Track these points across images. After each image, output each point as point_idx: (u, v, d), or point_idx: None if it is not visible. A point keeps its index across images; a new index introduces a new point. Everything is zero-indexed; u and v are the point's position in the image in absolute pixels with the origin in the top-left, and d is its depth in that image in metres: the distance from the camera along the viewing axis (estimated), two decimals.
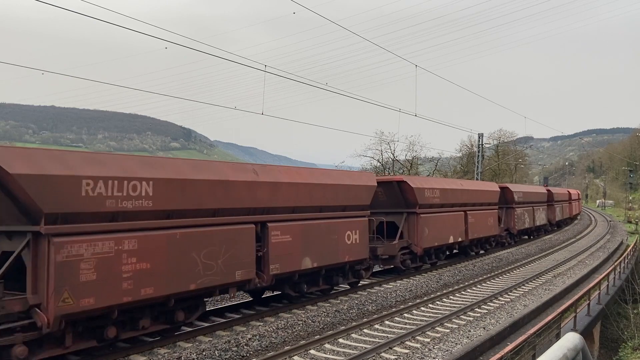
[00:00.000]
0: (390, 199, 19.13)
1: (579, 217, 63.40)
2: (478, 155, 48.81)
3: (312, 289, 14.20)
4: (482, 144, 48.98)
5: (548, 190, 41.31)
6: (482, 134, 48.25)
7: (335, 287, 15.56)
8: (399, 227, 19.04)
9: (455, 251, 24.80)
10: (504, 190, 30.03)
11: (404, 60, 26.51)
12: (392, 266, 19.46)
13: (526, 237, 35.79)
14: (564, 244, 34.75)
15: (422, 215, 19.25)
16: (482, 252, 26.46)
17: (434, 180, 22.43)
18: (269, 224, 12.11)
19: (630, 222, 68.51)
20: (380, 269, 20.39)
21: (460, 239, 22.36)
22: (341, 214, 14.67)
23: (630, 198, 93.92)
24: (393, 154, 57.00)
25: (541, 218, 37.01)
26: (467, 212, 23.10)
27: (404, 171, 56.50)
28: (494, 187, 27.74)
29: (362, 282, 17.01)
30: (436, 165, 62.69)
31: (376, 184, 16.31)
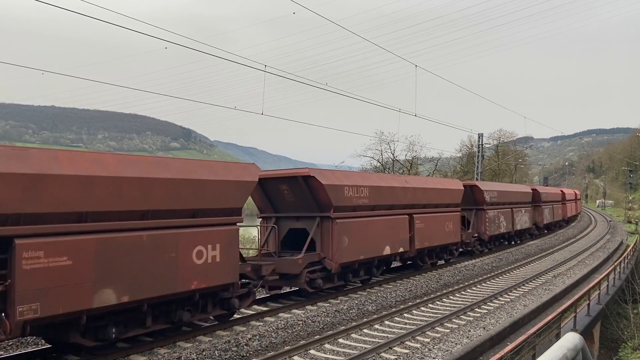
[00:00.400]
0: (299, 200, 15.01)
1: (578, 218, 63.19)
2: (478, 156, 48.85)
3: (135, 332, 9.93)
4: (482, 144, 49.05)
5: (534, 190, 36.79)
6: (482, 134, 48.39)
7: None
8: (311, 236, 14.92)
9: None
10: (472, 188, 25.96)
11: (404, 60, 26.53)
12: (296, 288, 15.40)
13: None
14: (563, 244, 34.76)
15: (339, 220, 14.82)
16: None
17: (360, 175, 17.65)
18: (17, 241, 7.75)
19: (630, 222, 68.55)
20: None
21: (401, 250, 17.75)
22: (186, 222, 10.28)
23: (630, 198, 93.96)
24: (393, 154, 57.04)
25: (524, 221, 32.70)
26: (414, 215, 18.68)
27: (403, 171, 56.53)
28: (455, 184, 23.36)
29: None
30: (436, 166, 62.72)
31: (256, 180, 12.00)
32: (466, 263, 23.22)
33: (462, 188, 23.25)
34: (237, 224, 11.54)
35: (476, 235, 25.94)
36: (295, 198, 15.04)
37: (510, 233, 30.49)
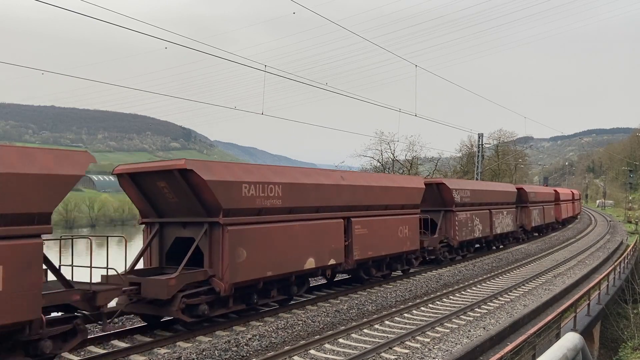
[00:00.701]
0: (183, 201, 11.75)
1: (578, 219, 63.08)
2: (478, 155, 48.85)
3: None
4: (482, 144, 49.05)
5: (520, 189, 33.38)
6: (482, 134, 48.40)
7: None
8: (200, 247, 11.74)
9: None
10: (439, 187, 22.76)
11: (404, 60, 26.56)
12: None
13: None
14: (564, 244, 34.77)
15: (232, 227, 11.54)
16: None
17: (271, 169, 13.45)
18: None
19: (630, 222, 68.59)
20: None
21: (333, 262, 14.57)
22: None
23: (630, 198, 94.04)
24: (393, 154, 57.10)
25: (506, 224, 29.15)
26: (352, 219, 15.60)
27: (403, 171, 56.55)
28: (413, 182, 19.78)
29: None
30: (436, 165, 62.79)
31: (82, 174, 8.89)
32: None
33: (422, 186, 19.95)
34: (43, 236, 8.33)
35: (444, 240, 22.78)
36: (178, 198, 11.79)
37: (488, 238, 27.04)
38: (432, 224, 22.38)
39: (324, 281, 17.56)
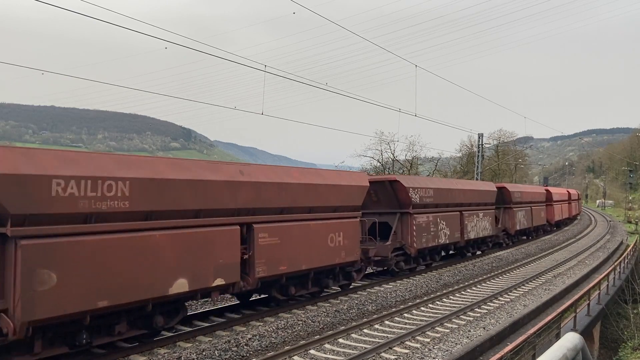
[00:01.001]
0: None
1: (578, 219, 63.04)
2: (478, 156, 48.86)
3: None
4: (482, 144, 49.06)
5: (502, 188, 29.89)
6: (482, 134, 48.41)
7: None
8: None
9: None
10: (393, 185, 19.02)
11: (404, 60, 26.57)
12: None
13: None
14: (564, 244, 34.77)
15: (29, 242, 7.96)
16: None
17: (111, 158, 9.48)
18: None
19: (630, 222, 68.61)
20: None
21: (221, 282, 10.95)
22: None
23: (630, 198, 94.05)
24: (393, 154, 57.17)
25: (482, 227, 25.46)
26: (255, 225, 11.97)
27: (403, 171, 56.56)
28: (351, 179, 15.75)
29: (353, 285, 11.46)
30: (436, 166, 62.85)
31: None
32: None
33: (365, 184, 16.17)
34: None
35: (400, 248, 19.12)
36: None
37: (459, 244, 23.38)
38: (388, 229, 19.18)
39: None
